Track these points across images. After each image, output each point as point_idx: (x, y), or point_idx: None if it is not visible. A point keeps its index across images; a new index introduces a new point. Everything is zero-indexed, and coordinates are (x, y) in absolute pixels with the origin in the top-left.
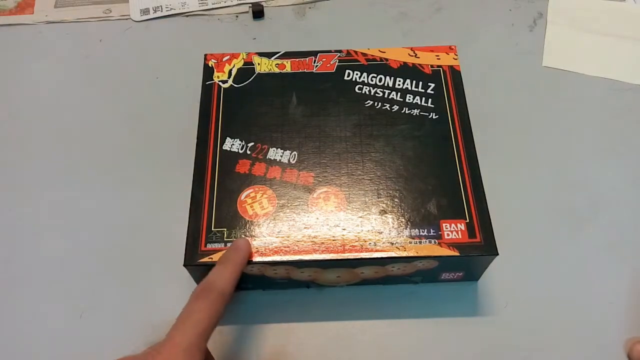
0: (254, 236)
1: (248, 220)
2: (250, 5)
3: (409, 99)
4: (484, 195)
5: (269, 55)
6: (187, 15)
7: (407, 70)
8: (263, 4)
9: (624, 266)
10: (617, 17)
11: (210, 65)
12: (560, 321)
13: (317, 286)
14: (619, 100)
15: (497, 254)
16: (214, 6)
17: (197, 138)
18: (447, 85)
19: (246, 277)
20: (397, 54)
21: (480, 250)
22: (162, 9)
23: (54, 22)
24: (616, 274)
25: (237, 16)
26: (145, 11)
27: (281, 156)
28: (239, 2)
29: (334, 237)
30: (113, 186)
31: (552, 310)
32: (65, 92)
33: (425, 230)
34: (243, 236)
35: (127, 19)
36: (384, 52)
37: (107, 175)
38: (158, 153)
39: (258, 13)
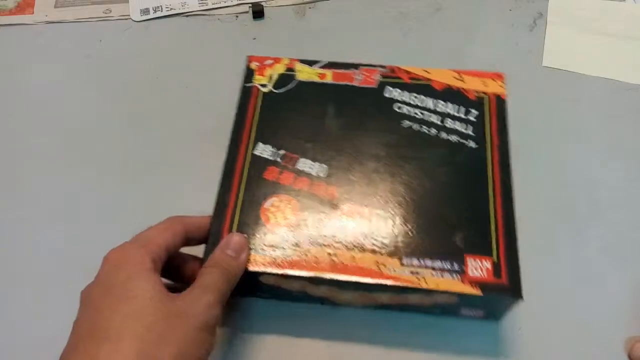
0: (272, 246)
1: (269, 229)
2: (250, 5)
3: (449, 124)
4: (516, 235)
5: (310, 63)
6: (187, 15)
7: (451, 94)
8: (263, 4)
9: (624, 266)
10: (617, 17)
11: (251, 68)
12: (559, 321)
13: (331, 304)
14: (619, 100)
15: (522, 298)
16: (214, 6)
17: (230, 139)
18: (490, 114)
19: (262, 286)
20: (442, 76)
21: (504, 292)
22: (162, 9)
23: (54, 22)
24: (616, 274)
25: (237, 16)
26: (145, 11)
27: (311, 168)
28: (239, 2)
29: (353, 257)
30: (112, 186)
31: (551, 309)
32: (65, 92)
33: (449, 263)
34: (262, 246)
35: (127, 19)
36: (429, 73)
37: (107, 175)
38: (157, 153)
39: (258, 13)
